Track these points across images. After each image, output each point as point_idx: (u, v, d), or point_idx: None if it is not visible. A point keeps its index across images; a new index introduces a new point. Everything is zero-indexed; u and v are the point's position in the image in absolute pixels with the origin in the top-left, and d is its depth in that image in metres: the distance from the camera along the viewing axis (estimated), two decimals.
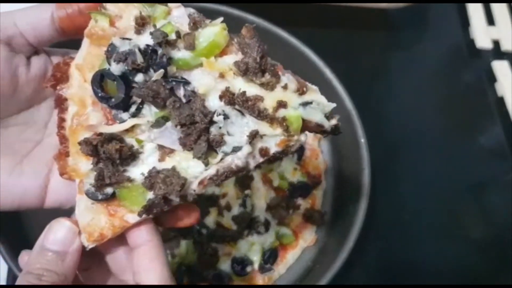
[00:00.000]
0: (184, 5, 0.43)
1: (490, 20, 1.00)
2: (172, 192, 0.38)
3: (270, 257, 0.71)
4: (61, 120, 0.42)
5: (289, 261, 0.73)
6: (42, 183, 0.43)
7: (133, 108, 0.40)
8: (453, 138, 0.90)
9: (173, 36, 0.40)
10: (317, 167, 0.79)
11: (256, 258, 0.71)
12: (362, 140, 0.74)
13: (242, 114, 0.40)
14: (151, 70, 0.40)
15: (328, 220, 0.76)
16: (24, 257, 0.42)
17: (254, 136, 0.40)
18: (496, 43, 0.98)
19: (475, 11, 1.01)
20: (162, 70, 0.39)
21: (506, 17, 1.01)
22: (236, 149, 0.40)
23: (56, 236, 0.40)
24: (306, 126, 0.41)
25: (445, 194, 0.84)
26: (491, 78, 0.95)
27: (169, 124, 0.40)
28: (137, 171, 0.40)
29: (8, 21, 0.41)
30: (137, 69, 0.39)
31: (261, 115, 0.40)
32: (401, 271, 0.78)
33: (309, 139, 0.81)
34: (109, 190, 0.40)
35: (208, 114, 0.39)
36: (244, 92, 0.40)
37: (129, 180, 0.40)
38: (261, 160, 0.41)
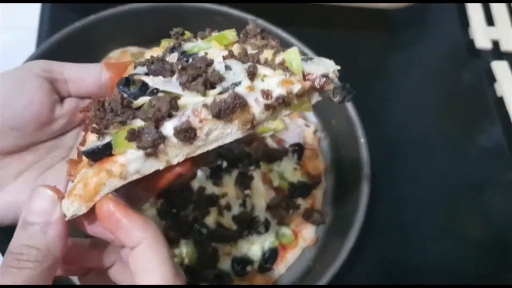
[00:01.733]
0: None
1: (490, 21, 1.01)
2: (162, 107, 0.36)
3: (270, 256, 0.71)
4: (85, 140, 0.43)
5: (289, 260, 0.73)
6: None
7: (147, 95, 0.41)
8: (452, 138, 0.90)
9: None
10: (317, 167, 0.79)
11: (256, 258, 0.71)
12: (362, 140, 0.74)
13: (243, 63, 0.40)
14: None
15: (328, 220, 0.76)
16: None
17: (252, 71, 0.39)
18: (496, 44, 0.99)
19: (474, 12, 1.01)
20: (176, 53, 0.42)
21: (506, 17, 1.01)
22: (235, 84, 0.38)
23: (38, 207, 0.37)
24: (312, 86, 0.40)
25: (444, 194, 0.84)
26: (491, 78, 0.95)
27: (174, 78, 0.40)
28: (136, 122, 0.38)
29: (56, 67, 0.45)
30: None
31: (260, 63, 0.40)
32: (401, 271, 0.78)
33: (309, 139, 0.82)
34: (106, 138, 0.37)
35: (210, 60, 0.40)
36: (244, 49, 0.41)
37: (130, 120, 0.38)
38: (264, 102, 0.38)
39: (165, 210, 0.71)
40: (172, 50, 0.44)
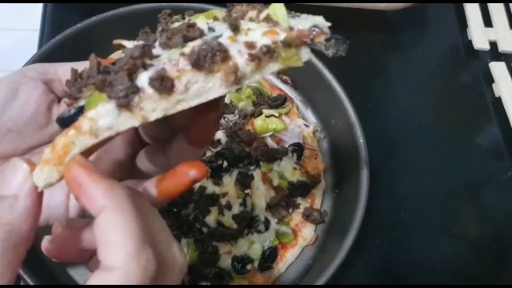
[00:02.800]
0: None
1: (488, 22, 1.01)
2: (135, 53, 0.33)
3: (270, 255, 0.72)
4: None
5: (288, 259, 0.73)
6: (66, 195, 0.43)
7: None
8: (450, 138, 0.90)
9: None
10: (317, 167, 0.80)
11: (256, 257, 0.71)
12: (361, 141, 0.75)
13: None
14: None
15: (327, 219, 0.77)
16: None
17: (235, 25, 0.35)
18: (494, 44, 0.99)
19: (472, 13, 1.02)
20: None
21: (504, 19, 1.02)
22: (217, 37, 0.35)
23: (10, 180, 0.34)
24: (300, 38, 0.36)
25: (443, 193, 0.85)
26: (489, 79, 0.96)
27: (156, 44, 0.37)
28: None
29: (50, 68, 0.46)
30: None
31: (246, 20, 0.37)
32: (400, 270, 0.79)
33: (309, 139, 0.82)
34: (80, 103, 0.35)
35: (192, 23, 0.37)
36: (229, 14, 0.38)
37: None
38: (247, 52, 0.34)
39: (166, 210, 0.71)
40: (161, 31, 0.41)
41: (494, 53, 0.98)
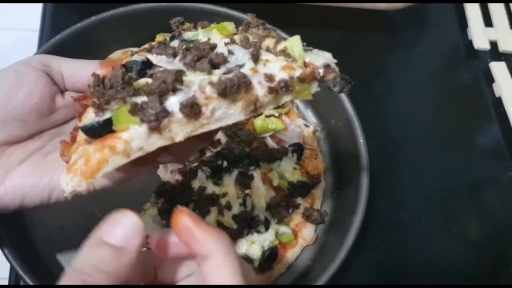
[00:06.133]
0: None
1: (488, 22, 1.01)
2: (168, 78, 0.35)
3: (270, 255, 0.71)
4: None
5: (288, 260, 0.73)
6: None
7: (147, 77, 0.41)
8: (451, 138, 0.90)
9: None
10: (317, 167, 0.80)
11: (256, 257, 0.71)
12: (361, 141, 0.74)
13: (246, 49, 0.41)
14: None
15: (327, 219, 0.76)
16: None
17: (256, 55, 0.39)
18: (494, 44, 0.99)
19: (473, 13, 1.02)
20: (176, 41, 0.43)
21: (504, 18, 1.02)
22: (239, 66, 0.39)
23: (119, 230, 0.36)
24: (313, 74, 0.40)
25: (443, 194, 0.85)
26: (489, 79, 0.96)
27: (176, 59, 0.40)
28: (138, 99, 0.38)
29: (54, 61, 0.48)
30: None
31: (263, 50, 0.41)
32: (400, 270, 0.79)
33: (309, 139, 0.82)
34: (106, 114, 0.37)
35: (213, 44, 0.40)
36: (246, 36, 0.42)
37: (130, 96, 0.37)
38: (267, 85, 0.38)
39: (166, 210, 0.71)
40: (172, 38, 0.44)
41: (495, 53, 0.98)
